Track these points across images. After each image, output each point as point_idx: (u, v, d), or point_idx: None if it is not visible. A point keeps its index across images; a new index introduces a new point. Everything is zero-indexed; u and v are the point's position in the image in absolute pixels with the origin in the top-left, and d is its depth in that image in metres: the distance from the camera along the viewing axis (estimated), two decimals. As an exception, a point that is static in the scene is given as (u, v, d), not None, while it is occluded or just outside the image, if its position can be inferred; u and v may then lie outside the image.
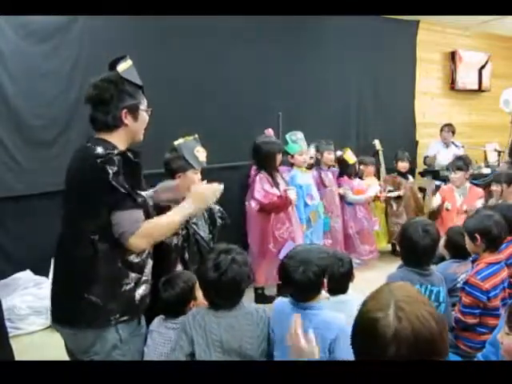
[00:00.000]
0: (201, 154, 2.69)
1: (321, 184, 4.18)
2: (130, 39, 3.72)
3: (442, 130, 5.66)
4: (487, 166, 5.82)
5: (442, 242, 2.71)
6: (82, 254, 1.65)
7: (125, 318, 1.69)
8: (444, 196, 4.02)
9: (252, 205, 3.49)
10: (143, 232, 1.66)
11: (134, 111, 1.75)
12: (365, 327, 0.96)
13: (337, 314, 1.76)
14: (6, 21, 3.22)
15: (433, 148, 5.70)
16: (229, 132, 4.18)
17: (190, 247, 2.61)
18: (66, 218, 1.75)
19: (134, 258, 1.71)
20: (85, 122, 3.56)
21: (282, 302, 1.82)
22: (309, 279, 1.68)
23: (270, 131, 3.81)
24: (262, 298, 3.61)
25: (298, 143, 3.81)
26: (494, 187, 3.69)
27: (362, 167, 4.70)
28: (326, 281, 2.04)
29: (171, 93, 3.94)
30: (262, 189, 3.42)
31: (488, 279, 2.21)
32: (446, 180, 5.00)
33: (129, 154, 1.69)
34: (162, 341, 1.84)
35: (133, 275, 1.71)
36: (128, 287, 1.70)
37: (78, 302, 1.64)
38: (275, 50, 4.61)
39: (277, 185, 3.52)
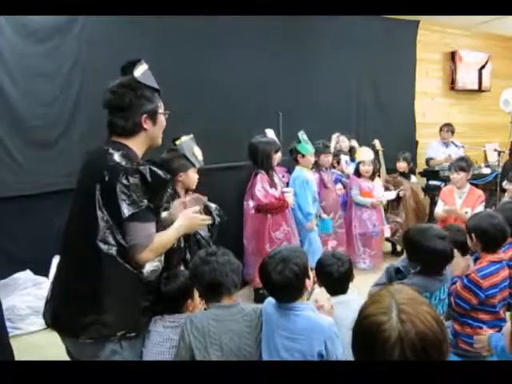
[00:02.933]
0: (198, 153, 2.70)
1: (322, 185, 4.18)
2: (129, 39, 3.72)
3: (441, 130, 5.67)
4: (487, 165, 5.82)
5: None
6: (91, 262, 1.62)
7: (130, 335, 1.68)
8: (444, 199, 4.02)
9: (250, 205, 3.49)
10: (153, 246, 1.66)
11: (153, 115, 1.75)
12: (367, 332, 0.95)
13: (320, 314, 1.73)
14: (6, 21, 3.22)
15: (432, 148, 5.69)
16: (229, 132, 4.18)
17: (190, 247, 2.61)
18: (75, 221, 1.71)
19: (147, 277, 1.71)
20: (85, 122, 3.61)
21: (269, 302, 1.77)
22: (287, 279, 1.62)
23: (268, 131, 3.81)
24: (262, 297, 3.60)
25: (309, 144, 3.81)
26: (508, 186, 3.80)
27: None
28: (320, 279, 2.04)
29: (170, 93, 3.91)
30: (262, 188, 3.42)
31: (488, 278, 2.22)
32: (445, 180, 5.00)
33: (156, 169, 1.66)
34: (159, 340, 1.85)
35: (146, 296, 1.72)
36: (137, 306, 1.71)
37: (85, 316, 1.61)
38: (275, 50, 4.61)
39: (275, 185, 3.52)
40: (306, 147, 3.80)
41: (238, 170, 3.74)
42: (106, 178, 1.59)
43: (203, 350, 1.67)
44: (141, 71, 1.73)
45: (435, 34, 6.17)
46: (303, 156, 3.83)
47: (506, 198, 3.99)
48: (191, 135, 2.76)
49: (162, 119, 1.81)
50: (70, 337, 1.68)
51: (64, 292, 1.71)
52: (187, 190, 2.72)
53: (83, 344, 1.63)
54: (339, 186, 4.46)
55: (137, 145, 1.73)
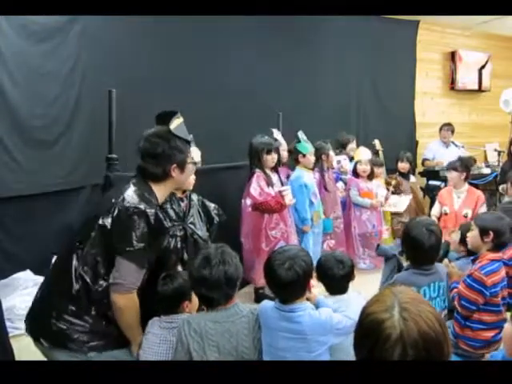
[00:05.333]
0: (195, 154, 2.68)
1: (323, 186, 4.17)
2: (129, 39, 3.73)
3: (441, 130, 5.66)
4: (487, 165, 5.82)
5: (455, 238, 2.75)
6: (75, 282, 1.71)
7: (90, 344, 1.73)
8: (442, 200, 4.01)
9: (247, 203, 3.50)
10: (133, 298, 1.73)
11: (182, 165, 1.86)
12: (369, 329, 0.94)
13: (321, 309, 1.73)
14: (6, 21, 3.22)
15: (430, 149, 5.68)
16: (229, 132, 4.18)
17: (188, 248, 2.60)
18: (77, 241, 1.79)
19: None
20: (85, 122, 3.61)
21: (266, 306, 1.76)
22: (296, 275, 1.63)
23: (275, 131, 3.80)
24: (262, 298, 3.60)
25: (308, 143, 3.81)
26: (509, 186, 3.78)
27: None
28: (323, 281, 2.04)
29: (171, 93, 3.94)
30: (258, 186, 3.42)
31: (491, 275, 2.23)
32: (445, 180, 5.00)
33: (161, 215, 1.77)
34: (156, 341, 1.85)
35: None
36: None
37: (57, 325, 1.70)
38: (275, 49, 4.61)
39: (272, 185, 3.51)
40: (306, 146, 3.79)
41: (238, 169, 3.74)
42: (116, 211, 1.69)
43: (201, 351, 1.66)
44: (176, 124, 1.86)
45: (435, 34, 6.17)
46: (304, 156, 3.83)
47: (506, 198, 3.98)
48: (191, 136, 2.75)
49: (189, 168, 1.94)
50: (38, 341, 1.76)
51: (40, 303, 1.83)
52: (184, 191, 2.71)
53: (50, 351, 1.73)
54: (341, 184, 4.45)
55: (162, 189, 1.86)
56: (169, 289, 1.90)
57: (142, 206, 1.70)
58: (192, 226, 2.64)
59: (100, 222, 1.70)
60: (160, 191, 1.84)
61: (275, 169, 3.64)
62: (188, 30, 4.05)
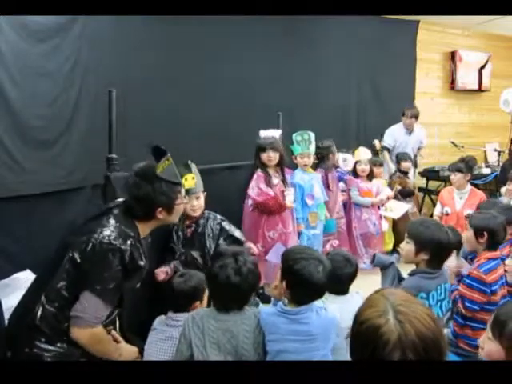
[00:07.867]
0: (188, 182, 2.60)
1: (325, 186, 4.17)
2: (129, 39, 3.72)
3: (403, 115, 5.15)
4: (487, 165, 5.82)
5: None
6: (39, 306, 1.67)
7: None
8: (443, 201, 4.00)
9: (248, 203, 3.51)
10: (95, 333, 1.64)
11: (169, 208, 1.78)
12: (366, 336, 0.94)
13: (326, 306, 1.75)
14: (6, 21, 3.21)
15: (391, 135, 5.15)
16: (229, 132, 4.18)
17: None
18: (48, 269, 1.75)
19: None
20: (85, 122, 3.60)
21: (267, 313, 1.74)
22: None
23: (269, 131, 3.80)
24: (261, 297, 3.61)
25: (300, 145, 3.81)
26: (508, 186, 3.75)
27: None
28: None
29: (171, 93, 3.94)
30: (256, 186, 3.43)
31: (490, 273, 2.23)
32: (445, 180, 5.00)
33: (137, 254, 1.69)
34: (162, 337, 1.88)
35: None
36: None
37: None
38: (275, 49, 4.61)
39: (271, 185, 3.50)
40: (295, 148, 3.83)
41: (238, 169, 3.74)
42: (90, 246, 1.62)
43: (202, 347, 1.67)
44: (163, 167, 1.75)
45: (435, 34, 6.16)
46: (295, 157, 3.88)
47: (504, 198, 3.97)
48: (189, 161, 2.66)
49: (178, 209, 1.84)
50: None
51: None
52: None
53: None
54: (342, 184, 4.46)
55: (146, 226, 1.79)
56: (186, 286, 1.92)
57: (118, 243, 1.62)
58: (194, 253, 2.63)
59: (70, 254, 1.63)
60: (144, 227, 1.78)
61: (281, 169, 3.62)
62: (188, 29, 4.05)
